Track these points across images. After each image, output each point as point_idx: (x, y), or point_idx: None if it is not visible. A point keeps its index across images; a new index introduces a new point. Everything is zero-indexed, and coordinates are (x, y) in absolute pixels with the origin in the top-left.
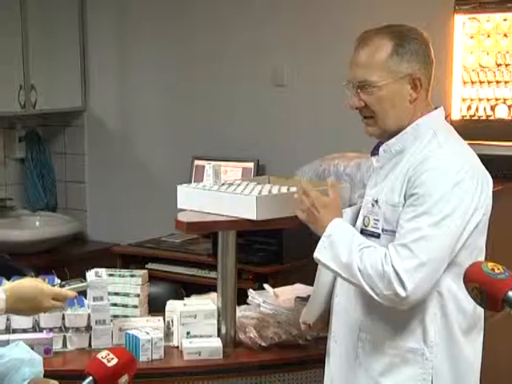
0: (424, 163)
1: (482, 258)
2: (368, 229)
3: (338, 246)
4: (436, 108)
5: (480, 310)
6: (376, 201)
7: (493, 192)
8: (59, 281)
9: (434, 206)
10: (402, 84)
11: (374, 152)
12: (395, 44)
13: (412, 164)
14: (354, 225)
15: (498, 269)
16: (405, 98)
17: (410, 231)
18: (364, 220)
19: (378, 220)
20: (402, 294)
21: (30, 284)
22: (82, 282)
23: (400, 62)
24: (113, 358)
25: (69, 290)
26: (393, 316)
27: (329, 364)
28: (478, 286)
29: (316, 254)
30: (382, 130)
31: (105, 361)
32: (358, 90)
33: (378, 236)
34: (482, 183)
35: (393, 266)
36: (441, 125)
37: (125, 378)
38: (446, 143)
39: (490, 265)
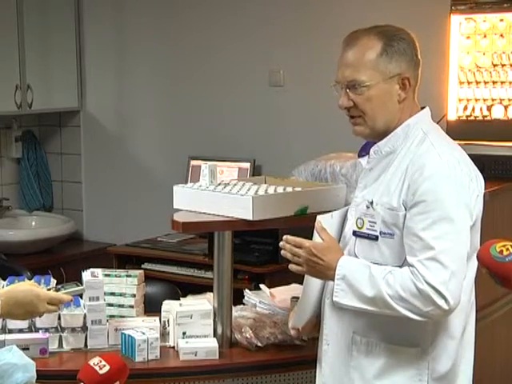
0: (423, 169)
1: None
2: (363, 231)
3: (357, 283)
4: (422, 108)
5: (474, 300)
6: (371, 202)
7: (490, 192)
8: (55, 281)
9: (447, 211)
10: (391, 84)
11: (361, 153)
12: (384, 43)
13: (407, 167)
14: (341, 228)
15: (508, 249)
16: (394, 98)
17: (432, 241)
18: (357, 222)
19: (374, 222)
20: (445, 306)
21: (25, 288)
22: (78, 285)
23: (389, 62)
24: (105, 365)
25: (64, 294)
26: (388, 317)
27: (320, 368)
28: (487, 270)
29: (336, 299)
30: (370, 130)
31: (97, 368)
32: (348, 90)
33: (375, 238)
34: (477, 181)
35: (427, 283)
36: (429, 125)
37: None
38: (438, 144)
39: (499, 246)
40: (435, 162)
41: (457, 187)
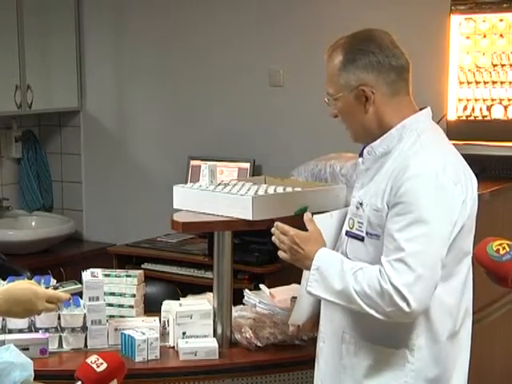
0: (406, 170)
1: (467, 260)
2: (353, 231)
3: (329, 275)
4: (422, 108)
5: (469, 306)
6: (361, 203)
7: (490, 192)
8: (55, 281)
9: (423, 214)
10: (353, 96)
11: (362, 153)
12: (343, 58)
13: (395, 168)
14: (341, 227)
15: (504, 248)
16: (359, 109)
17: (403, 243)
18: (349, 222)
19: (362, 223)
20: (406, 308)
21: (23, 286)
22: (76, 284)
23: (347, 75)
24: (102, 363)
25: (62, 293)
26: (374, 318)
27: (318, 364)
28: (484, 270)
29: (309, 288)
30: (356, 136)
31: (94, 366)
32: (328, 101)
33: (361, 239)
34: (466, 185)
35: (391, 283)
36: (426, 126)
37: (114, 382)
38: (428, 146)
39: (496, 245)
40: (419, 164)
41: (437, 191)
